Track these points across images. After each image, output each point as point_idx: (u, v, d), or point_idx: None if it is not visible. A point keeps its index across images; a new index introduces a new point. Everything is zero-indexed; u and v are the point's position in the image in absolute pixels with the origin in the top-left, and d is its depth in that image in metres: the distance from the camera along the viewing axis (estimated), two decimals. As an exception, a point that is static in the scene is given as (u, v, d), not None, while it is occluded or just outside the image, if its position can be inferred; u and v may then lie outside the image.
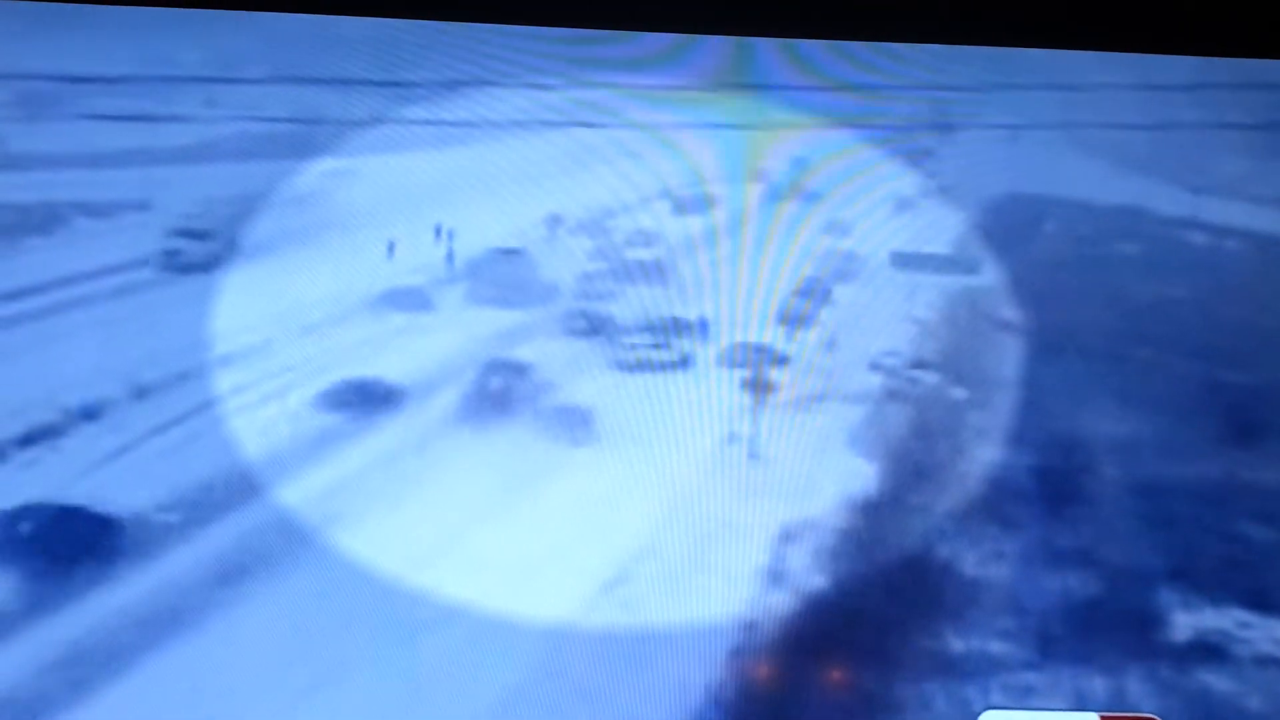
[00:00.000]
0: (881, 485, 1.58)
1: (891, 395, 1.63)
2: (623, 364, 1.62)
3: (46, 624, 1.46)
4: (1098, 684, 1.50)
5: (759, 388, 1.61)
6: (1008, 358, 1.64)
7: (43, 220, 1.62)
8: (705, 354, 1.63)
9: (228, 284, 1.61)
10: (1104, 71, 1.74)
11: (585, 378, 1.61)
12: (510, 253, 1.66)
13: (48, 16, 1.68)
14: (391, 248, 1.64)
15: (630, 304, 1.64)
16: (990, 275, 1.68)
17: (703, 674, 1.49)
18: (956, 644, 1.51)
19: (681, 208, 1.68)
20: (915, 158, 1.71)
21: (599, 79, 1.70)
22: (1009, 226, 1.70)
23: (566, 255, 1.66)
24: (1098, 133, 1.73)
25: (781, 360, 1.63)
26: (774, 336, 1.64)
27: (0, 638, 1.45)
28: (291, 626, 1.48)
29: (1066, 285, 1.68)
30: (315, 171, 1.65)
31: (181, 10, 1.68)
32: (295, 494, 1.54)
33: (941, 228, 1.69)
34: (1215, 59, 1.74)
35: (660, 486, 1.57)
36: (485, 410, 1.60)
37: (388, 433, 1.58)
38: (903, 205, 1.70)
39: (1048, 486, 1.59)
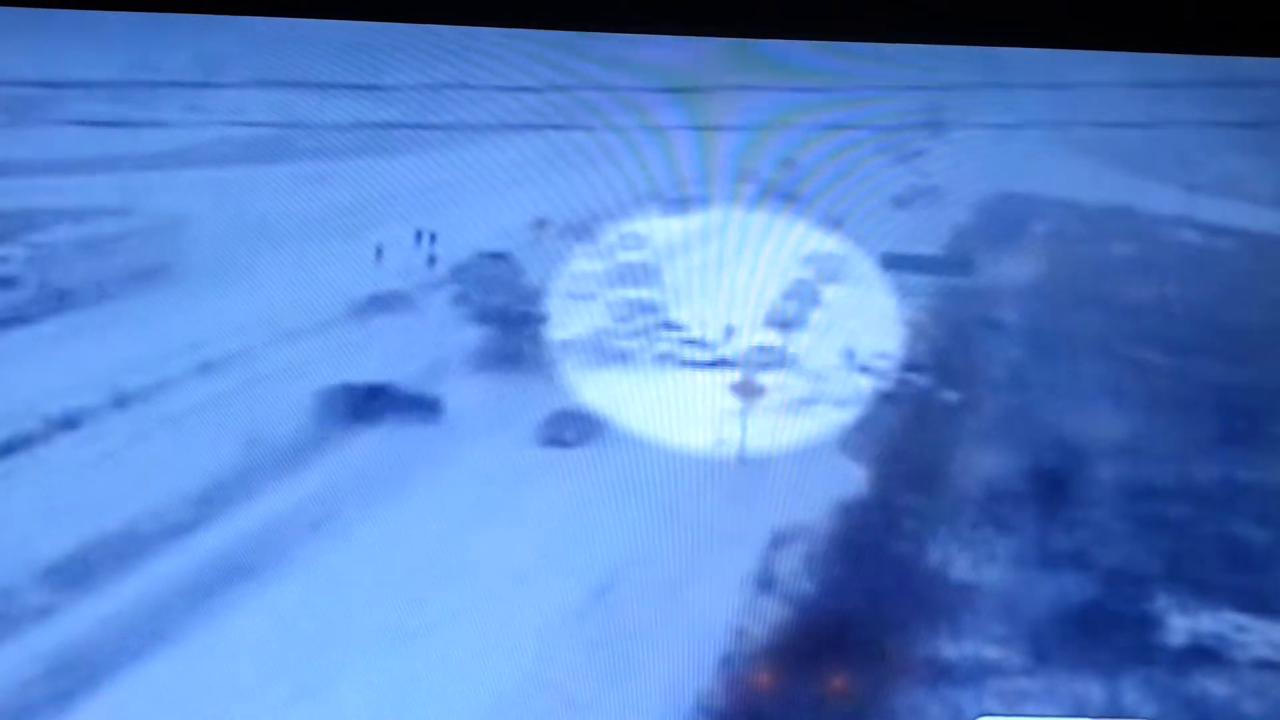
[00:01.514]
0: (873, 489, 1.57)
1: (882, 398, 1.61)
2: (610, 368, 1.61)
3: (30, 636, 1.45)
4: (1094, 689, 1.49)
5: (748, 391, 1.60)
6: (1000, 359, 1.63)
7: (23, 227, 1.61)
8: (694, 357, 1.62)
9: (207, 291, 1.59)
10: (1096, 70, 1.73)
11: (573, 382, 1.60)
12: (496, 256, 1.65)
13: (27, 22, 1.66)
14: (380, 252, 1.62)
15: (618, 307, 1.63)
16: (982, 276, 1.67)
17: (692, 681, 1.47)
18: (950, 649, 1.50)
19: (669, 210, 1.67)
20: (906, 158, 1.70)
21: (583, 81, 1.68)
22: (1001, 226, 1.69)
23: (553, 258, 1.65)
24: (1090, 132, 1.72)
25: (771, 363, 1.62)
26: (763, 339, 1.62)
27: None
28: (276, 636, 1.47)
29: (1059, 285, 1.66)
30: (297, 176, 1.64)
31: (162, 15, 1.67)
32: (280, 501, 1.53)
33: (933, 228, 1.68)
34: (1207, 57, 1.73)
35: (648, 492, 1.55)
36: (470, 416, 1.59)
37: (372, 438, 1.57)
38: (893, 205, 1.69)
39: (1041, 489, 1.57)
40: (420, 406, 1.58)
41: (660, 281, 1.65)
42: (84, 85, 1.66)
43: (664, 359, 1.62)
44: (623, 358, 1.61)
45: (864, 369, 1.62)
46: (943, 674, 1.49)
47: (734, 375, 1.61)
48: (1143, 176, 1.71)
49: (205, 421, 1.54)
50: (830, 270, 1.66)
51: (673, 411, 1.59)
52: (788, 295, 1.65)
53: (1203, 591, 1.53)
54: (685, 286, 1.64)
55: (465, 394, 1.60)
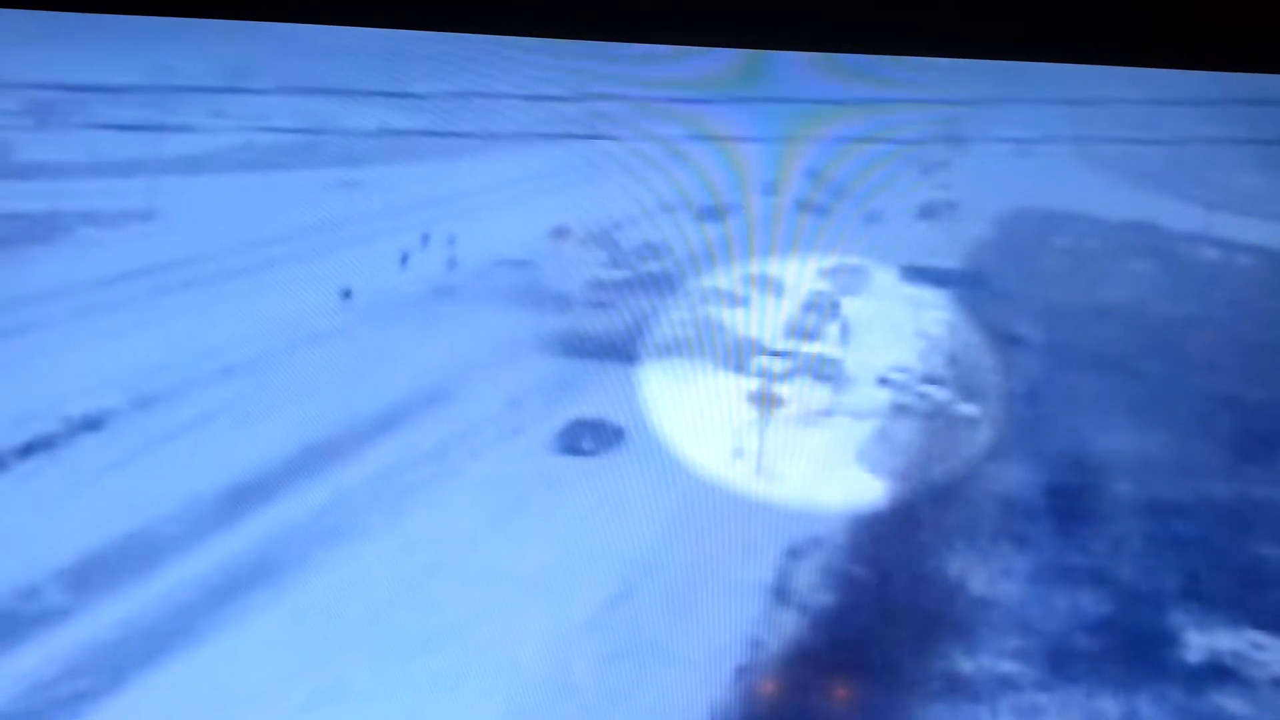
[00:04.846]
0: (890, 502, 1.57)
1: (900, 410, 1.61)
2: (628, 377, 1.61)
3: (50, 636, 1.45)
4: (1109, 705, 1.48)
5: (766, 402, 1.60)
6: (1018, 373, 1.63)
7: (47, 230, 1.62)
8: (712, 367, 1.62)
9: (231, 295, 1.60)
10: (1116, 86, 1.73)
11: (588, 391, 1.60)
12: (517, 264, 1.65)
13: (55, 26, 1.68)
14: (405, 259, 1.63)
15: (637, 317, 1.63)
16: (1001, 290, 1.67)
17: (707, 693, 1.47)
18: (966, 664, 1.49)
19: (691, 220, 1.67)
20: (928, 170, 1.70)
21: (609, 90, 1.69)
22: (1020, 240, 1.69)
23: (574, 267, 1.65)
24: (1110, 148, 1.72)
25: (789, 374, 1.62)
26: (782, 350, 1.62)
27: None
28: (292, 642, 1.47)
29: (1078, 301, 1.66)
30: (322, 182, 1.65)
31: (188, 20, 1.68)
32: (299, 505, 1.53)
33: (953, 241, 1.68)
34: (1228, 74, 1.73)
35: (665, 501, 1.55)
36: (487, 423, 1.59)
37: (391, 444, 1.57)
38: (914, 218, 1.69)
39: (1059, 504, 1.57)
40: (439, 413, 1.59)
41: (681, 292, 1.65)
42: (109, 89, 1.67)
43: (683, 369, 1.62)
44: (642, 367, 1.61)
45: (882, 381, 1.62)
46: (959, 688, 1.48)
47: (752, 386, 1.61)
48: (1162, 193, 1.72)
49: (227, 425, 1.55)
50: (850, 282, 1.67)
51: (691, 421, 1.59)
52: (807, 307, 1.65)
53: (1220, 609, 1.52)
54: (705, 297, 1.65)
55: (483, 401, 1.60)
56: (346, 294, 1.60)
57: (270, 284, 1.61)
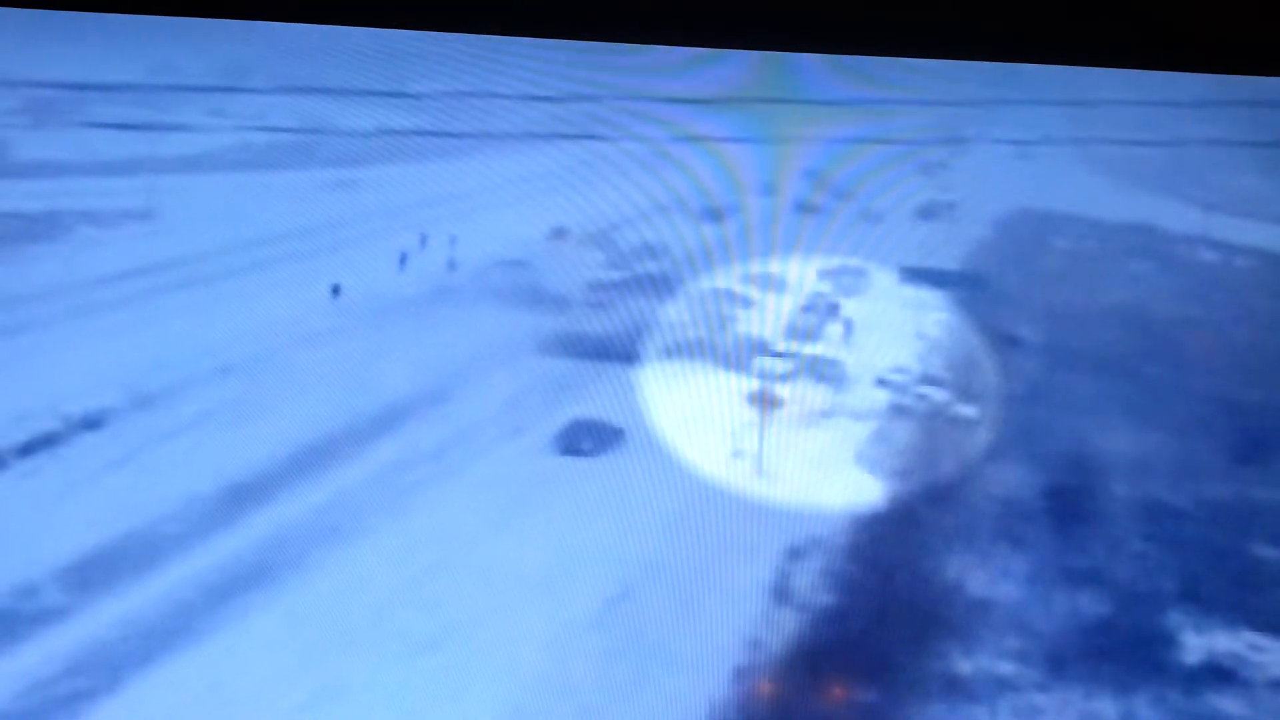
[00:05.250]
0: (889, 503, 1.57)
1: (899, 412, 1.61)
2: (627, 377, 1.61)
3: (49, 635, 1.45)
4: (1108, 706, 1.48)
5: (766, 403, 1.60)
6: (1017, 375, 1.63)
7: (46, 229, 1.62)
8: (712, 368, 1.62)
9: (230, 294, 1.60)
10: (1115, 88, 1.73)
11: (588, 392, 1.60)
12: (515, 264, 1.65)
13: (54, 24, 1.67)
14: (404, 259, 1.63)
15: (637, 317, 1.63)
16: (1000, 291, 1.67)
17: (706, 692, 1.47)
18: (964, 665, 1.49)
19: (689, 221, 1.67)
20: (927, 171, 1.70)
21: (607, 91, 1.69)
22: (1019, 242, 1.69)
23: (573, 268, 1.65)
24: (1109, 149, 1.72)
25: (789, 376, 1.62)
26: (782, 351, 1.63)
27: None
28: (292, 641, 1.47)
29: (1076, 302, 1.67)
30: (319, 181, 1.65)
31: (187, 19, 1.68)
32: (299, 505, 1.53)
33: (952, 243, 1.68)
34: (1227, 76, 1.73)
35: (665, 502, 1.55)
36: (487, 424, 1.59)
37: (391, 444, 1.57)
38: (914, 220, 1.69)
39: (1057, 505, 1.57)
40: (438, 413, 1.59)
41: (680, 293, 1.65)
42: (107, 88, 1.66)
43: (682, 369, 1.62)
44: (641, 368, 1.62)
45: (882, 382, 1.62)
46: (957, 689, 1.49)
47: (752, 386, 1.61)
48: (1161, 195, 1.72)
49: (226, 424, 1.55)
50: (850, 283, 1.67)
51: (690, 422, 1.59)
52: (807, 308, 1.65)
53: (1218, 610, 1.53)
54: (705, 298, 1.65)
55: (483, 401, 1.60)
56: (335, 290, 1.60)
57: (269, 283, 1.61)
